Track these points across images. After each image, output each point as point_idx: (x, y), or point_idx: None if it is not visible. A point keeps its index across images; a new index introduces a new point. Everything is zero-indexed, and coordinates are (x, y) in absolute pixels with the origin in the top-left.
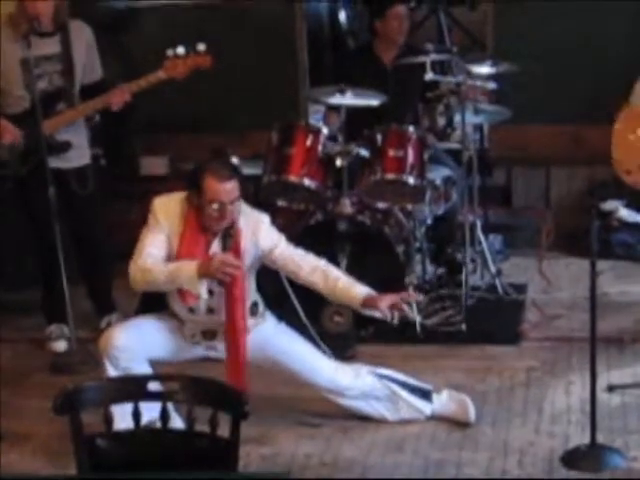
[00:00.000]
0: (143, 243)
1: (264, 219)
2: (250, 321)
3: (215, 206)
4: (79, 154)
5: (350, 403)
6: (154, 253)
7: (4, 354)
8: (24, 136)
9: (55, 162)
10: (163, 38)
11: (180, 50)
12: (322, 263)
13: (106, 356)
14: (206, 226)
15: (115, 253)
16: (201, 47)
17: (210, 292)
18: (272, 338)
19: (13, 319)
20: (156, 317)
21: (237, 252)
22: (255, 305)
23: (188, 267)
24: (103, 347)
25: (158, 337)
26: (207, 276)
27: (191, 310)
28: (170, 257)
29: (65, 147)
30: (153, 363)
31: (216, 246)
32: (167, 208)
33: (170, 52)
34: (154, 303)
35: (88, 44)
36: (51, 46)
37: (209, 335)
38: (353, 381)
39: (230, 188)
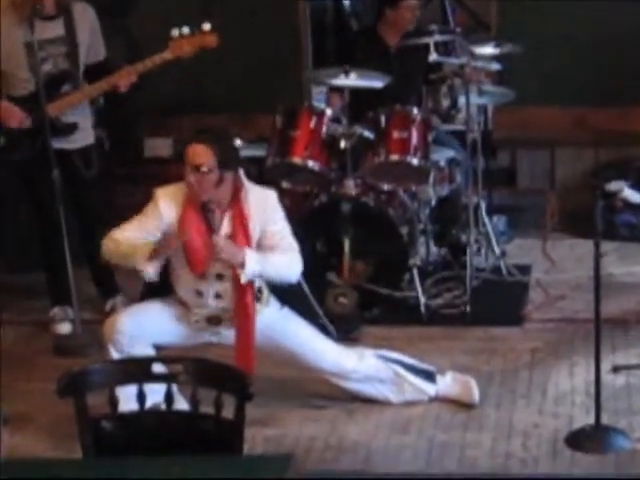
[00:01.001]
0: (129, 222)
1: (272, 194)
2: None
3: (188, 169)
4: (84, 135)
5: (355, 386)
6: (133, 231)
7: (7, 336)
8: (29, 118)
9: (60, 143)
10: (167, 22)
11: (185, 30)
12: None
13: (110, 341)
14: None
15: None
16: (206, 27)
17: (219, 276)
18: (276, 323)
19: (16, 301)
20: (161, 303)
21: (246, 235)
22: (259, 291)
23: (146, 248)
24: (107, 332)
25: (162, 323)
26: (156, 258)
27: (199, 294)
28: None
29: (72, 129)
30: (157, 348)
31: (226, 226)
32: (170, 197)
33: (175, 32)
34: (158, 288)
35: (91, 25)
36: (55, 29)
37: (214, 321)
38: (357, 364)
39: (198, 150)
